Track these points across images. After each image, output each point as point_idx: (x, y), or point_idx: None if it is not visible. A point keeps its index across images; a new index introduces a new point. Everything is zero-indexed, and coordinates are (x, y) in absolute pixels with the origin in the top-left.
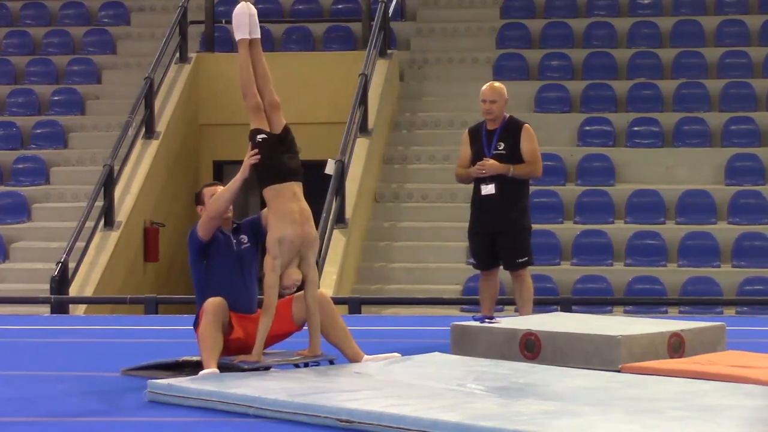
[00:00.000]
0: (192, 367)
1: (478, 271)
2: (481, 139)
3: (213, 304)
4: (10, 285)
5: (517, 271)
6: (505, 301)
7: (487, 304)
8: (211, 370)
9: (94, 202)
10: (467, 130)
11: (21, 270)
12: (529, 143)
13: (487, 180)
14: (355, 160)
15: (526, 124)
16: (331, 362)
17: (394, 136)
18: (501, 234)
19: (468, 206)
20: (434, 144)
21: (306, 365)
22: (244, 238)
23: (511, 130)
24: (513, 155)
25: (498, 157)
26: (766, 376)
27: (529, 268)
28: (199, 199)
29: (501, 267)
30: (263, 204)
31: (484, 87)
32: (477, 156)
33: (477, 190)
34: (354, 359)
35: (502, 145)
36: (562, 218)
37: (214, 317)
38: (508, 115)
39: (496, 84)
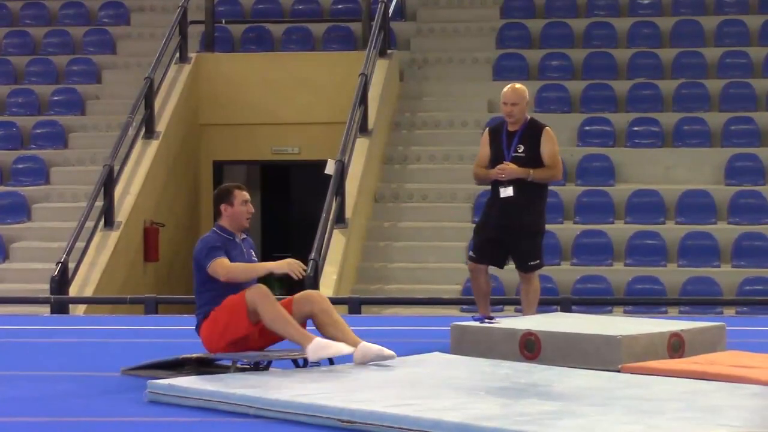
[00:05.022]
0: (192, 365)
1: None
2: (501, 140)
3: (263, 290)
4: (10, 285)
5: (529, 274)
6: (506, 301)
7: (482, 303)
8: (316, 340)
9: (94, 202)
10: (488, 129)
11: (21, 270)
12: (550, 147)
13: (506, 182)
14: (355, 160)
15: (547, 127)
16: (331, 361)
17: (394, 136)
18: (516, 237)
19: (468, 206)
20: (434, 144)
21: (305, 362)
22: (252, 252)
23: (532, 132)
24: (533, 158)
25: (517, 159)
26: (766, 376)
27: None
28: (227, 198)
29: (490, 266)
30: (263, 203)
31: (506, 89)
32: (496, 157)
33: (495, 191)
34: (354, 344)
35: (521, 148)
36: (562, 218)
37: (272, 297)
38: (529, 117)
39: (518, 86)
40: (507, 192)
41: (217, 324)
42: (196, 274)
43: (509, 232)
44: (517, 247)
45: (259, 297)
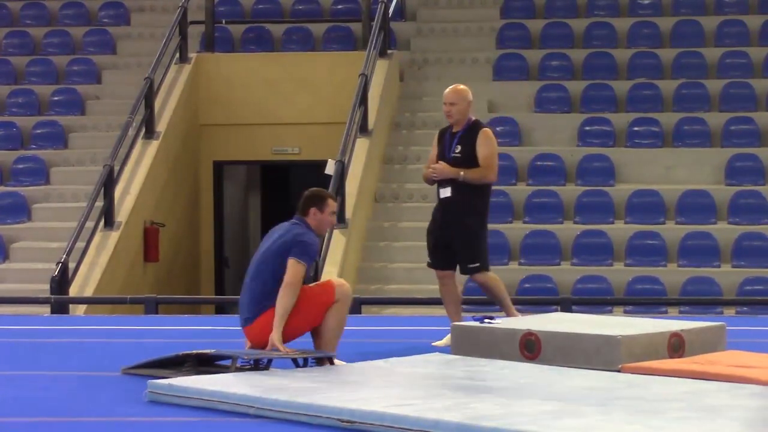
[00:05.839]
0: (192, 363)
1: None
2: (445, 141)
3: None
4: (10, 285)
5: (475, 277)
6: None
7: (451, 310)
8: None
9: (94, 202)
10: (438, 131)
11: (21, 270)
12: (484, 148)
13: (444, 183)
14: (355, 160)
15: (485, 128)
16: (331, 360)
17: (394, 136)
18: (455, 236)
19: None
20: None
21: (305, 361)
22: None
23: (471, 133)
24: (469, 159)
25: (455, 160)
26: (766, 376)
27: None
28: (319, 204)
29: (457, 271)
30: (263, 203)
31: (447, 89)
32: (440, 158)
33: (438, 192)
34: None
35: (459, 149)
36: (562, 218)
37: None
38: (473, 119)
39: (460, 87)
40: (445, 193)
41: (296, 314)
42: (273, 265)
43: (450, 233)
44: (457, 251)
45: (348, 298)
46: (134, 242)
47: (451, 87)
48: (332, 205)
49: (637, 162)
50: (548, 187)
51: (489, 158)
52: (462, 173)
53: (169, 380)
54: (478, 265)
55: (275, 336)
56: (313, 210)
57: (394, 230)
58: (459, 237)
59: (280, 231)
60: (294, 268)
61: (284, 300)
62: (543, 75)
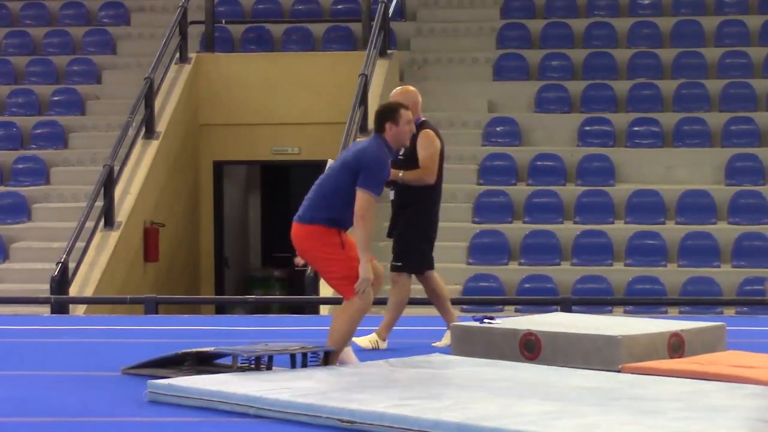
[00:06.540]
0: (192, 362)
1: (479, 271)
2: None
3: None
4: (10, 285)
5: (392, 274)
6: (506, 302)
7: (438, 308)
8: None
9: (94, 202)
10: None
11: (21, 270)
12: (422, 149)
13: (391, 185)
14: None
15: (425, 130)
16: (327, 353)
17: None
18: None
19: (468, 206)
20: None
21: (304, 356)
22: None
23: (415, 135)
24: (412, 161)
25: (400, 162)
26: (766, 376)
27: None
28: (392, 117)
29: (431, 270)
30: (263, 203)
31: (394, 90)
32: (392, 160)
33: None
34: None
35: (402, 150)
36: (562, 218)
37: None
38: (422, 119)
39: (410, 88)
40: (391, 195)
41: (331, 256)
42: (337, 178)
43: (392, 234)
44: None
45: (364, 306)
46: (134, 242)
47: (399, 87)
48: (405, 114)
49: (637, 162)
50: (548, 187)
51: (426, 159)
52: (400, 174)
53: (169, 380)
54: (399, 264)
55: (364, 272)
56: (388, 125)
57: None
58: (395, 235)
59: (357, 146)
60: (362, 200)
61: (360, 233)
62: (543, 75)
